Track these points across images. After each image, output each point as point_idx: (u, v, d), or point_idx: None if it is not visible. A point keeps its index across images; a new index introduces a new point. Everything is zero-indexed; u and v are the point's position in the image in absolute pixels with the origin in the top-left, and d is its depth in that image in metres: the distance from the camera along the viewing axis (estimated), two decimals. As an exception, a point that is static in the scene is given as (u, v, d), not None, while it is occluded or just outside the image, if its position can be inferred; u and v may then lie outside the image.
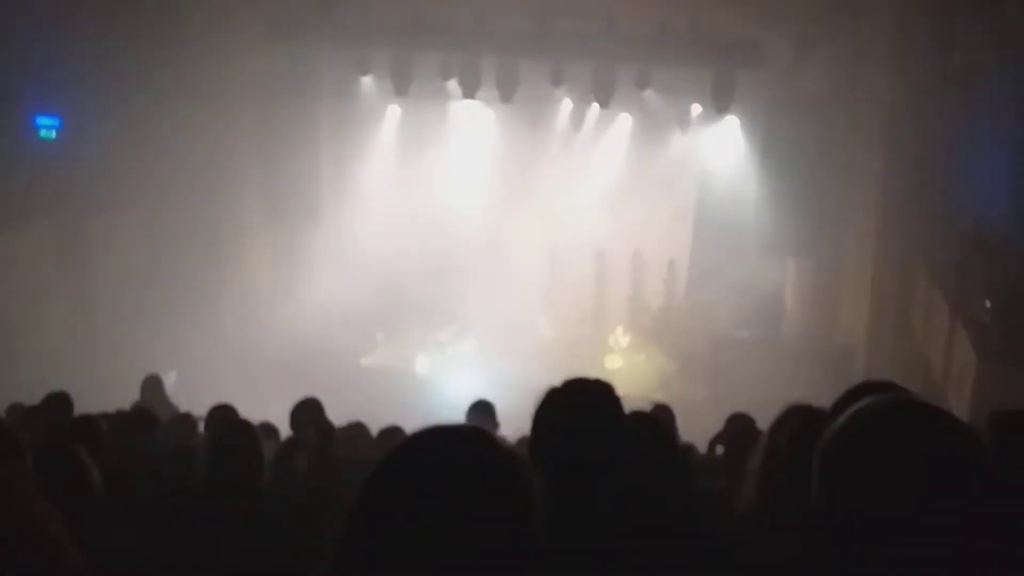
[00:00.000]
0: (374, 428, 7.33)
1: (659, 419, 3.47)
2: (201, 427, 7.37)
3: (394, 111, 19.32)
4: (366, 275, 18.28)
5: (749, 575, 2.46)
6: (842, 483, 1.53)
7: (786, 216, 16.43)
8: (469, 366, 16.90)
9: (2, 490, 1.45)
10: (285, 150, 17.47)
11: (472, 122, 19.36)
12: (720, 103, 16.90)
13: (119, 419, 7.12)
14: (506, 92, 17.35)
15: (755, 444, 3.11)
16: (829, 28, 15.41)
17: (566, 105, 18.90)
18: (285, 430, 6.79)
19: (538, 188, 18.87)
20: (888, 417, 1.56)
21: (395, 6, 16.78)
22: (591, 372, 2.79)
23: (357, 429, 7.29)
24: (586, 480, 2.49)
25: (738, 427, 6.52)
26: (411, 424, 1.62)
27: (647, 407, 6.69)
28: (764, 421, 5.73)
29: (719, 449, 6.53)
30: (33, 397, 7.18)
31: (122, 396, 8.97)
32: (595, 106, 18.09)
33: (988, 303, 10.91)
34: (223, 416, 6.98)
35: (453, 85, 17.58)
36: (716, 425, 6.98)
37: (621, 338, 18.52)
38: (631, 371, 16.97)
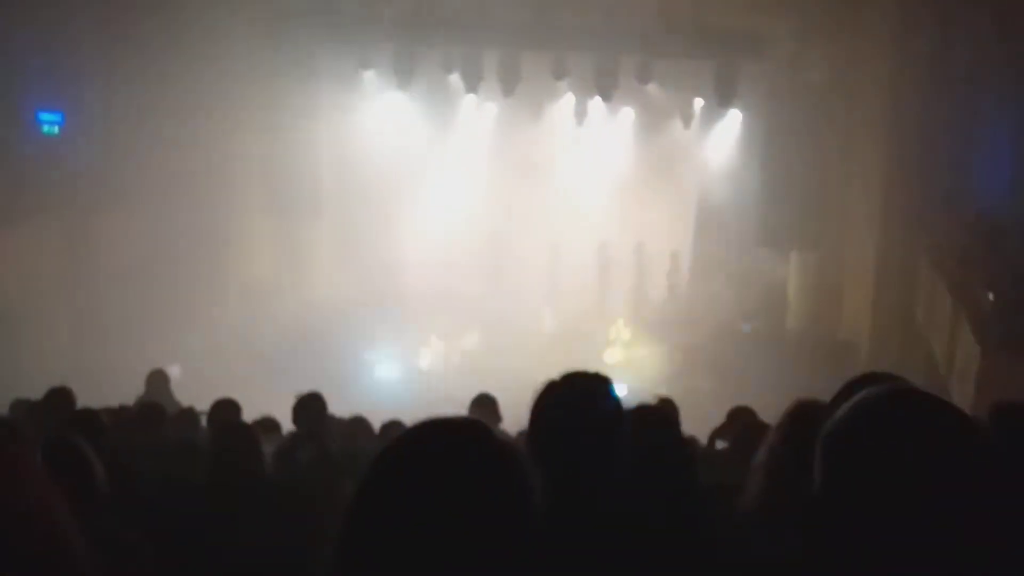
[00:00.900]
0: (376, 422, 7.33)
1: (662, 412, 3.47)
2: (204, 422, 7.37)
3: (395, 105, 19.26)
4: (368, 269, 18.27)
5: (754, 570, 2.46)
6: (843, 473, 1.53)
7: (789, 209, 16.42)
8: (471, 360, 16.90)
9: (12, 472, 1.46)
10: (287, 144, 17.46)
11: (474, 116, 19.33)
12: (722, 96, 16.88)
13: (127, 414, 7.13)
14: (508, 86, 17.34)
15: (757, 437, 3.10)
16: (831, 19, 15.38)
17: (568, 99, 18.86)
18: (287, 424, 6.79)
19: (540, 181, 18.84)
20: (889, 407, 1.56)
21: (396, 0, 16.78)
22: (593, 365, 2.79)
23: (359, 423, 7.29)
24: (584, 474, 2.48)
25: (740, 420, 6.53)
26: (413, 418, 1.62)
27: (650, 400, 6.70)
28: (766, 414, 5.74)
29: (720, 443, 6.54)
30: (37, 393, 7.18)
31: (126, 391, 8.97)
32: (597, 99, 18.07)
33: (991, 295, 10.90)
34: (225, 411, 6.99)
35: (455, 79, 17.56)
36: (718, 418, 6.99)
37: (622, 331, 18.51)
38: (633, 364, 16.95)
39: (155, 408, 7.10)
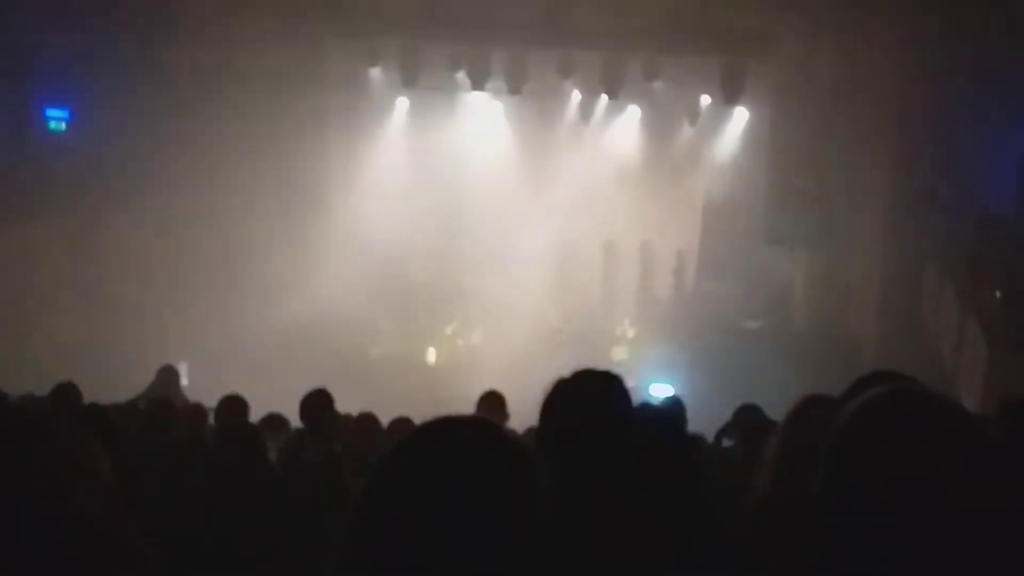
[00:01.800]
0: (384, 419, 7.35)
1: (668, 410, 3.48)
2: (212, 418, 7.39)
3: (403, 103, 19.30)
4: (376, 266, 18.28)
5: (761, 567, 2.46)
6: (850, 472, 1.54)
7: (795, 207, 16.38)
8: (479, 356, 16.90)
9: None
10: (294, 142, 17.47)
11: (481, 114, 19.33)
12: (729, 94, 16.86)
13: (136, 409, 7.15)
14: (515, 83, 17.33)
15: (764, 435, 3.10)
16: (838, 18, 15.34)
17: (575, 96, 18.84)
18: (295, 421, 6.80)
19: (547, 179, 18.83)
20: (896, 406, 1.56)
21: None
22: (600, 363, 2.79)
23: (367, 420, 7.30)
24: (594, 471, 2.49)
25: (747, 418, 6.52)
26: (421, 415, 1.62)
27: (656, 398, 6.71)
28: (773, 412, 5.74)
29: (726, 441, 6.54)
30: (44, 388, 7.21)
31: (134, 387, 9.01)
32: (604, 97, 18.06)
33: (998, 294, 10.89)
34: (232, 408, 7.00)
35: (462, 77, 17.56)
36: (724, 416, 6.99)
37: (628, 329, 18.51)
38: (639, 362, 16.94)
39: (164, 403, 7.12)
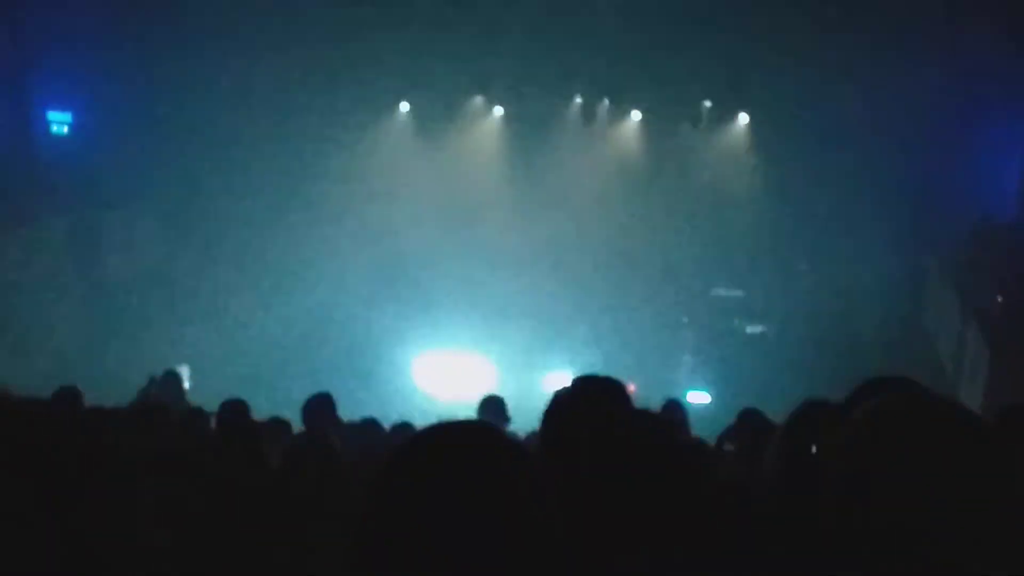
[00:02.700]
0: (386, 423, 7.34)
1: (671, 415, 3.47)
2: (213, 423, 7.37)
3: (405, 107, 19.31)
4: (378, 271, 18.28)
5: (764, 571, 2.46)
6: (855, 476, 1.53)
7: (797, 211, 16.38)
8: (480, 361, 16.89)
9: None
10: (295, 146, 17.47)
11: (482, 118, 19.33)
12: (731, 98, 16.85)
13: (132, 413, 7.14)
14: (516, 88, 17.32)
15: (766, 439, 3.10)
16: (841, 21, 15.33)
17: (577, 101, 18.85)
18: (297, 425, 6.80)
19: (548, 183, 18.82)
20: (901, 410, 1.56)
21: (406, 2, 16.79)
22: (600, 369, 2.80)
23: (369, 425, 7.29)
24: (595, 477, 2.49)
25: (749, 423, 6.51)
26: (422, 420, 1.62)
27: (659, 403, 6.70)
28: (775, 417, 5.73)
29: (729, 445, 6.52)
30: (48, 391, 7.20)
31: (135, 391, 9.00)
32: (606, 102, 18.06)
33: (999, 297, 10.90)
34: (233, 412, 6.99)
35: (465, 80, 17.55)
36: (726, 421, 6.98)
37: (630, 335, 18.48)
38: (639, 368, 16.91)
39: (158, 408, 7.11)
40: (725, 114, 17.77)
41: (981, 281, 11.42)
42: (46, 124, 13.84)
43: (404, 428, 6.93)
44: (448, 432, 1.55)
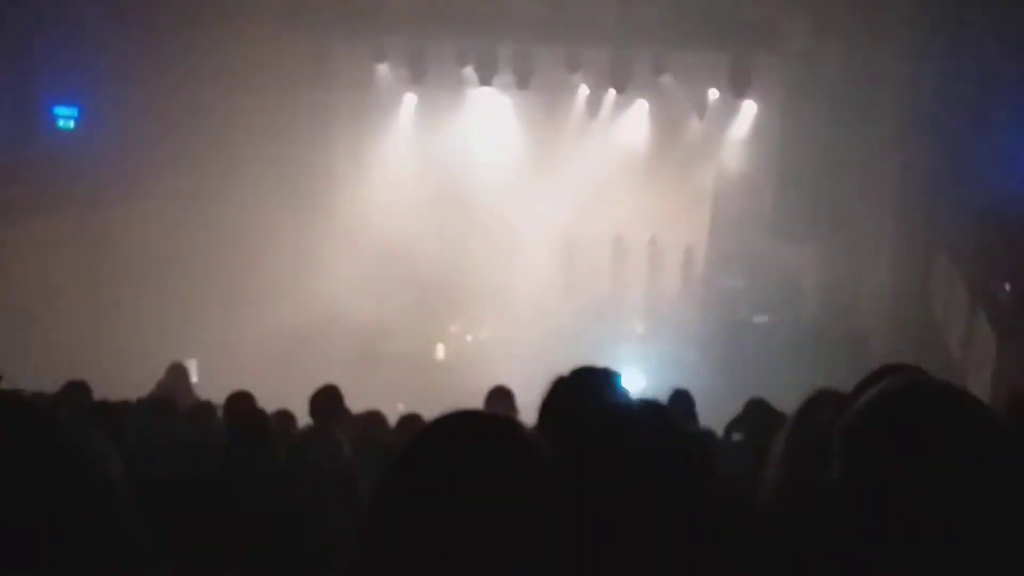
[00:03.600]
0: (392, 415, 7.35)
1: (677, 405, 3.46)
2: (220, 415, 7.39)
3: (410, 99, 19.31)
4: (384, 263, 18.30)
5: (771, 563, 2.45)
6: (862, 465, 1.52)
7: (804, 200, 16.34)
8: (487, 352, 16.91)
9: None
10: (301, 138, 17.49)
11: (489, 109, 19.32)
12: (737, 87, 16.83)
13: (139, 407, 7.16)
14: (522, 78, 17.33)
15: (773, 429, 3.09)
16: (847, 9, 15.29)
17: (583, 91, 18.84)
18: (304, 417, 6.81)
19: (555, 175, 18.82)
20: (909, 398, 1.55)
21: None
22: (608, 358, 2.79)
23: (375, 417, 7.30)
24: (592, 469, 2.48)
25: (756, 413, 6.51)
26: (429, 411, 1.61)
27: (666, 393, 6.70)
28: (782, 406, 5.72)
29: (736, 435, 6.53)
30: (52, 386, 7.21)
31: (141, 385, 9.02)
32: (612, 92, 18.06)
33: (1008, 286, 10.86)
34: (240, 405, 7.00)
35: (469, 72, 17.56)
36: (734, 411, 6.97)
37: (636, 324, 18.51)
38: (648, 357, 16.92)
39: (167, 401, 7.13)
40: (731, 103, 17.71)
41: (989, 270, 11.37)
42: (53, 119, 13.83)
43: (412, 420, 6.94)
44: (462, 422, 1.53)
